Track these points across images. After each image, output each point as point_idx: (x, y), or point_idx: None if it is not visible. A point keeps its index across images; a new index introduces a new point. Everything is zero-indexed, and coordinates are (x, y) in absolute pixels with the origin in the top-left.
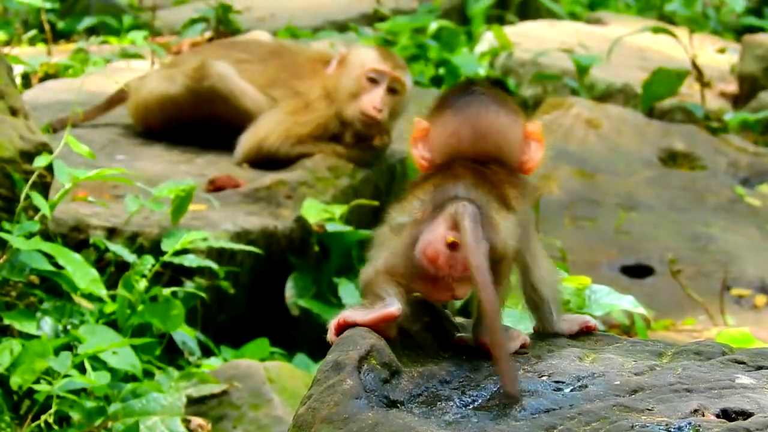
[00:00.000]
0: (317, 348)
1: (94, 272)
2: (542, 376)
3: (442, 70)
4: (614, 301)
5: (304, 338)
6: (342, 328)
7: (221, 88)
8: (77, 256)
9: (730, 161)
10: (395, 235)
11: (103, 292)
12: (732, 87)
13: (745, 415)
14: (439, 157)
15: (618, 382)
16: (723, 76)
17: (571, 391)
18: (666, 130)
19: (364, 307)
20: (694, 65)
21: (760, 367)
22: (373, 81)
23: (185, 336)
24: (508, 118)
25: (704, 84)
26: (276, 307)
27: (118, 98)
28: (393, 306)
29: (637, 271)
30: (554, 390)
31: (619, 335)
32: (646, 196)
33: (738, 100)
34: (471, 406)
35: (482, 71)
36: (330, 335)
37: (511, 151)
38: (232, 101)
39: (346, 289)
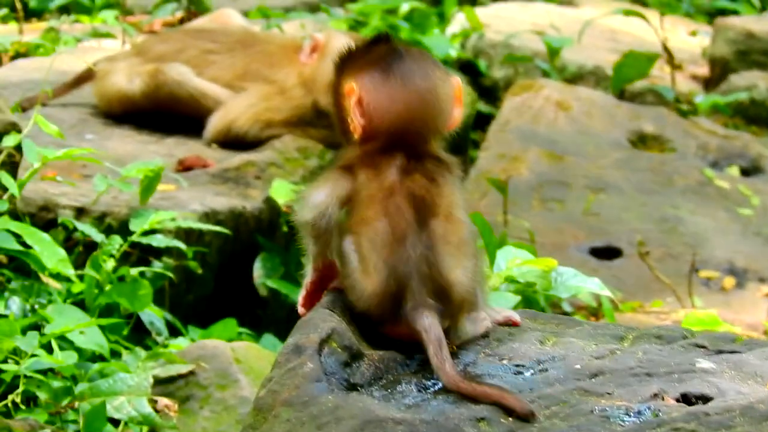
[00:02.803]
0: (285, 328)
1: (62, 252)
2: (503, 359)
3: None
4: (580, 283)
5: (271, 318)
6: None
7: (179, 93)
8: (45, 235)
9: (700, 144)
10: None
11: (70, 272)
12: (703, 70)
13: (705, 399)
14: (378, 124)
15: (578, 366)
16: (694, 58)
17: (532, 374)
18: (636, 112)
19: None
20: (665, 48)
21: (720, 351)
22: None
23: (153, 316)
24: (446, 82)
25: (675, 66)
26: (244, 287)
27: (86, 77)
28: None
29: (606, 253)
30: (515, 374)
31: (587, 317)
32: (615, 178)
33: (709, 83)
34: (431, 390)
35: (453, 52)
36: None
37: (447, 117)
38: (192, 104)
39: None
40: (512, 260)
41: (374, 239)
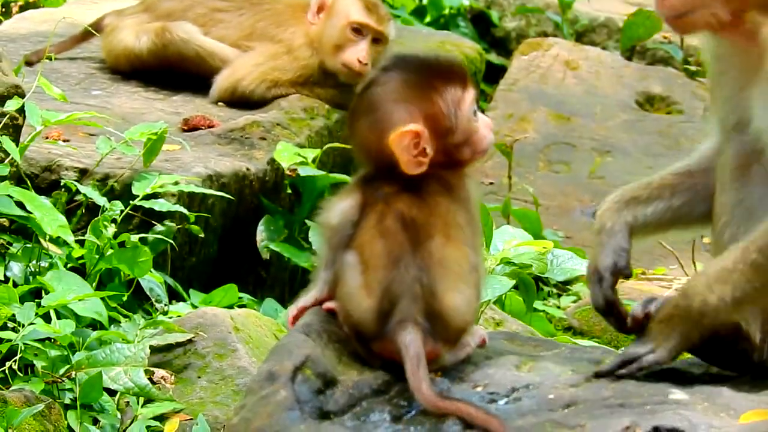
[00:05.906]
0: (288, 291)
1: (63, 218)
2: (477, 386)
3: (425, 0)
4: (576, 266)
5: (274, 280)
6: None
7: (186, 52)
8: (46, 201)
9: (707, 106)
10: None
11: (70, 239)
12: None
13: None
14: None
15: (552, 396)
16: None
17: (505, 403)
18: (644, 72)
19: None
20: None
21: (694, 379)
22: (358, 32)
23: (153, 282)
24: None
25: None
26: (247, 249)
27: (95, 30)
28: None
29: None
30: (488, 402)
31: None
32: (622, 140)
33: None
34: (404, 419)
35: (467, 1)
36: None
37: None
38: (199, 63)
39: (317, 234)
40: (509, 241)
41: (371, 259)
